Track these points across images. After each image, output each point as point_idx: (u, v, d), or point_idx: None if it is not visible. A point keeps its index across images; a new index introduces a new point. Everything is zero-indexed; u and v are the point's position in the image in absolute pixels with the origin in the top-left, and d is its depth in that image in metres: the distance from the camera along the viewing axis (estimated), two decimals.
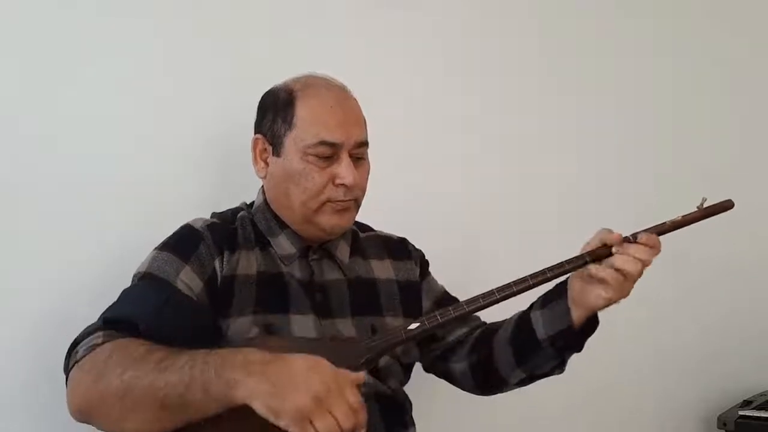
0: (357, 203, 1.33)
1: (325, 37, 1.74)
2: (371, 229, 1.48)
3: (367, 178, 1.34)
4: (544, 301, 1.30)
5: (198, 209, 1.38)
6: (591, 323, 1.27)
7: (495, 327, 1.39)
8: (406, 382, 1.41)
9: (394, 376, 1.35)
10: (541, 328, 1.29)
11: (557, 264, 1.23)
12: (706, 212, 1.25)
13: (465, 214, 1.92)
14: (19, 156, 1.40)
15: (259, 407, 1.00)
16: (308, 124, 1.28)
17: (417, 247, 1.50)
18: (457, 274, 1.63)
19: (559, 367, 1.34)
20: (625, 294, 1.22)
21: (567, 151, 2.07)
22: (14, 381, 1.37)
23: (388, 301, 1.38)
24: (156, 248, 1.26)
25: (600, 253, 1.21)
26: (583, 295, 1.23)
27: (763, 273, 2.28)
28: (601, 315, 1.27)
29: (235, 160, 1.59)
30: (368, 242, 1.44)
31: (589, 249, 1.22)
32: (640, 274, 1.20)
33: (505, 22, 2.03)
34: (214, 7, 1.62)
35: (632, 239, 1.22)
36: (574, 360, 1.34)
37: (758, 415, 1.99)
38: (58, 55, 1.45)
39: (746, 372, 2.23)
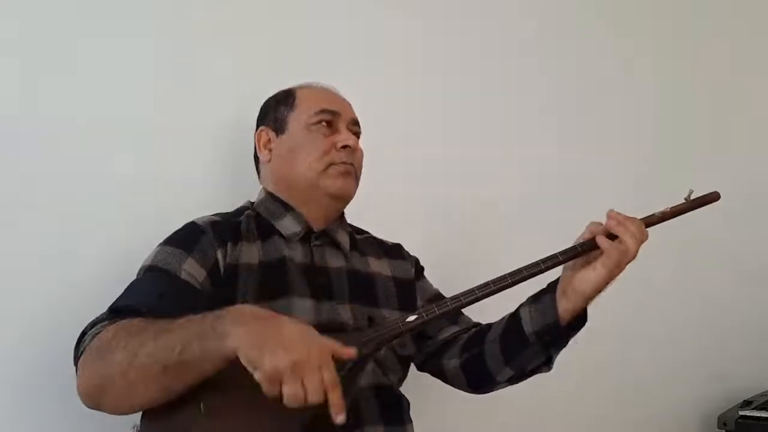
0: (356, 174, 1.41)
1: (325, 37, 1.74)
2: (368, 233, 1.52)
3: (362, 159, 1.43)
4: (534, 296, 1.33)
5: (199, 210, 1.38)
6: (579, 319, 1.29)
7: (487, 327, 1.42)
8: (404, 377, 1.42)
9: (391, 369, 1.37)
10: (528, 323, 1.31)
11: (552, 255, 1.25)
12: (693, 204, 1.30)
13: (465, 214, 1.92)
14: (20, 156, 1.40)
15: (242, 356, 1.02)
16: (309, 101, 1.42)
17: (411, 253, 1.53)
18: (457, 273, 1.63)
19: (546, 364, 1.35)
20: (616, 272, 1.23)
21: (567, 148, 2.08)
22: (14, 381, 1.37)
23: (384, 295, 1.41)
24: (160, 243, 1.29)
25: (591, 243, 1.24)
26: (573, 282, 1.26)
27: (763, 273, 2.29)
28: (600, 315, 1.27)
29: (237, 160, 1.60)
30: (365, 243, 1.48)
31: (581, 241, 1.26)
32: (635, 253, 1.22)
33: (504, 22, 2.04)
34: (215, 7, 1.62)
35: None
36: (575, 359, 1.34)
37: (758, 415, 1.99)
38: (59, 54, 1.45)
39: (746, 372, 2.24)
